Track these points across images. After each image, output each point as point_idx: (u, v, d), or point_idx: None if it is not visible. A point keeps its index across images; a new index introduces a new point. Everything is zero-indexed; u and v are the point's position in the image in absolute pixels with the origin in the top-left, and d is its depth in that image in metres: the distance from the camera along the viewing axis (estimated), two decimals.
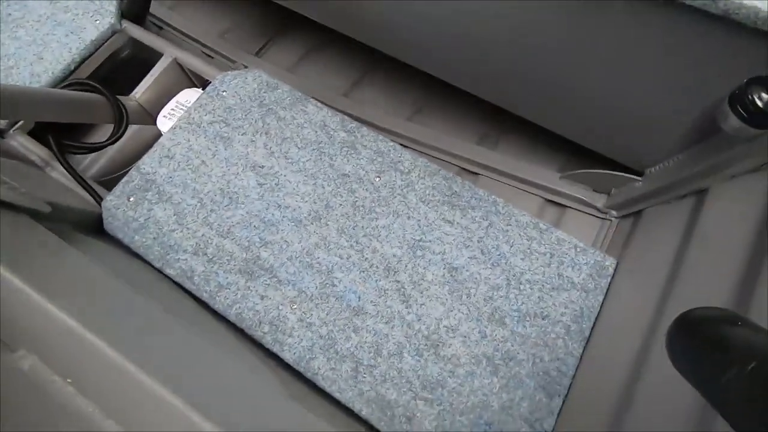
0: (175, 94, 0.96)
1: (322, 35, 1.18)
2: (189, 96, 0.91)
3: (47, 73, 0.88)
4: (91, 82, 0.82)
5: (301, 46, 1.18)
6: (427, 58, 0.87)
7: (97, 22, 0.93)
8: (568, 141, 0.83)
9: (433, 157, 0.94)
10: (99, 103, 0.82)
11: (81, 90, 0.81)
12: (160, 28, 1.16)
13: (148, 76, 0.90)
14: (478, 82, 0.85)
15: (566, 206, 0.81)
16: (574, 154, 0.86)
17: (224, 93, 0.83)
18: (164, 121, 0.89)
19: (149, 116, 0.95)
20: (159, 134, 0.85)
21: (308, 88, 1.09)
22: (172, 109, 0.90)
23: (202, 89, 0.94)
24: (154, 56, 0.98)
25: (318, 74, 1.14)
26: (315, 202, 0.73)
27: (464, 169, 0.92)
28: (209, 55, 1.16)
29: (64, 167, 0.76)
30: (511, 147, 0.92)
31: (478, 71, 0.81)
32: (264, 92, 0.83)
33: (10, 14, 0.95)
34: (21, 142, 0.85)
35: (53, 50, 0.90)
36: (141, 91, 0.89)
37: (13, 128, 0.86)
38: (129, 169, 0.85)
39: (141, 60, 0.96)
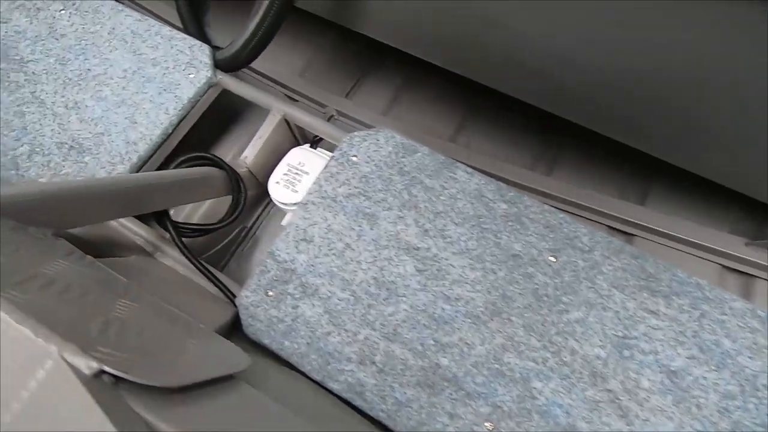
0: (279, 153, 0.86)
1: (414, 70, 1.08)
2: (300, 157, 0.81)
3: (144, 140, 0.77)
4: (209, 155, 0.71)
5: (392, 84, 1.07)
6: (570, 99, 0.77)
7: (192, 76, 0.82)
8: (739, 196, 0.74)
9: (574, 215, 0.85)
10: (214, 177, 0.72)
11: (196, 164, 0.70)
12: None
13: (257, 138, 0.79)
14: (637, 129, 0.75)
15: (755, 276, 0.72)
16: (748, 211, 0.77)
17: (355, 159, 0.73)
18: (277, 189, 0.79)
19: (257, 182, 0.84)
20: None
21: (410, 133, 1.00)
22: (285, 174, 0.80)
23: (310, 145, 0.84)
24: (239, 105, 0.88)
25: (415, 117, 1.03)
26: (489, 292, 0.63)
27: (614, 228, 0.83)
28: (292, 98, 1.05)
29: (188, 257, 0.66)
30: (663, 201, 0.83)
31: (640, 114, 0.72)
32: (402, 157, 0.72)
33: (89, 70, 0.83)
34: (122, 223, 0.74)
35: (147, 112, 0.79)
36: (251, 156, 0.78)
37: None
38: (227, 242, 0.75)
39: (219, 110, 0.86)
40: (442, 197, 0.69)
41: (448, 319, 0.62)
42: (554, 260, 0.65)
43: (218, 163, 0.71)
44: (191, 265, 0.68)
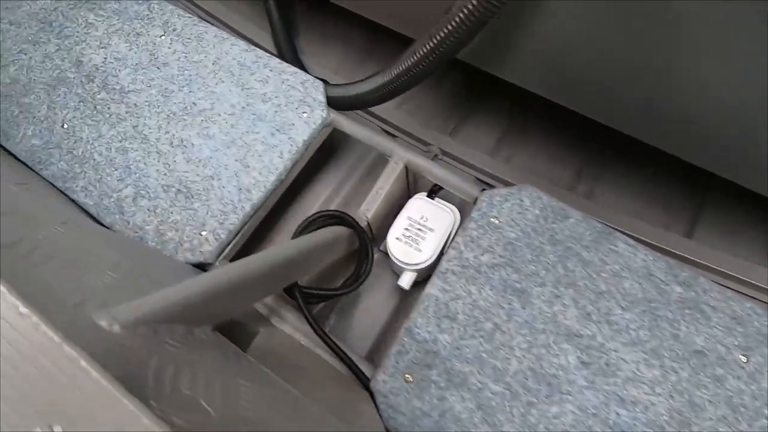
0: (395, 204, 0.78)
1: (524, 107, 1.00)
2: (421, 209, 0.73)
3: (258, 187, 0.70)
4: (341, 213, 0.64)
5: (499, 121, 0.99)
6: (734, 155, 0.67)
7: (306, 115, 0.75)
8: None
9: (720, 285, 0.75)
10: (342, 237, 0.65)
11: (328, 224, 0.63)
12: None
13: (377, 189, 0.72)
14: None
15: None
16: None
17: (497, 221, 0.64)
18: (398, 246, 0.71)
19: (373, 238, 0.77)
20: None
21: (524, 180, 0.91)
22: (406, 229, 0.72)
23: (428, 195, 0.76)
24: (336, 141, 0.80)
25: (526, 159, 0.95)
26: (672, 397, 0.54)
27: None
28: (390, 133, 0.98)
29: (319, 332, 0.58)
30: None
31: None
32: (552, 222, 0.64)
33: (194, 104, 0.77)
34: None
35: (260, 155, 0.72)
36: (372, 209, 0.70)
37: (221, 257, 0.68)
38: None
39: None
40: (603, 274, 0.60)
41: (626, 429, 0.53)
42: (745, 360, 0.55)
43: (350, 223, 0.64)
44: (313, 333, 0.61)
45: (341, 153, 0.94)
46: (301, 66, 0.99)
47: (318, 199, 0.90)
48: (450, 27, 0.51)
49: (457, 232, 0.71)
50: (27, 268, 0.31)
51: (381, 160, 0.93)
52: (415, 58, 0.57)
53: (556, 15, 0.60)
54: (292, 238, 0.60)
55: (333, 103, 0.79)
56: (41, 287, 0.30)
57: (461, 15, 0.49)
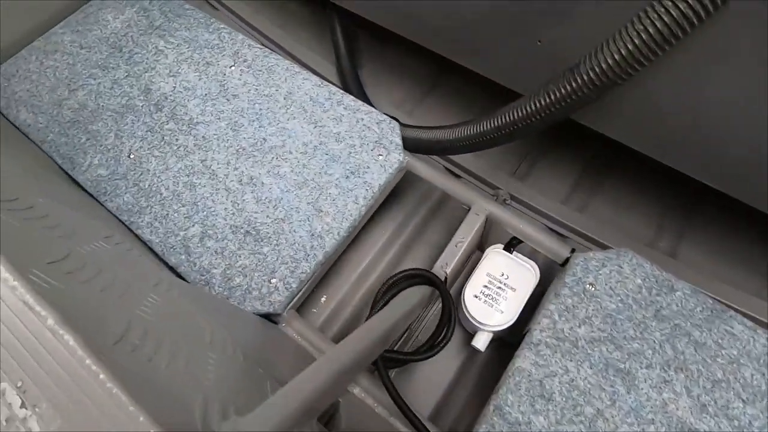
0: (470, 255, 0.73)
1: (601, 152, 0.94)
2: (501, 265, 0.68)
3: (331, 234, 0.66)
4: (424, 271, 0.59)
5: (572, 165, 0.94)
6: None
7: (381, 157, 0.71)
8: None
9: None
10: (423, 298, 0.60)
11: (411, 283, 0.58)
12: None
13: (456, 242, 0.67)
14: None
15: None
16: None
17: (593, 289, 0.59)
18: (476, 305, 0.66)
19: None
20: None
21: (599, 231, 0.85)
22: (485, 286, 0.67)
23: (504, 247, 0.71)
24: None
25: (602, 209, 0.89)
26: None
27: None
28: (452, 172, 0.94)
29: (399, 402, 0.53)
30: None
31: None
32: (657, 295, 0.58)
33: (265, 140, 0.75)
34: (300, 330, 0.63)
35: (333, 199, 0.69)
36: (451, 264, 0.66)
37: (288, 306, 0.64)
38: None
39: None
40: (719, 359, 0.54)
41: None
42: None
43: (437, 284, 0.59)
44: (388, 398, 0.56)
45: (403, 191, 0.90)
46: (366, 100, 0.96)
47: (379, 240, 0.86)
48: (569, 87, 0.47)
49: (535, 291, 0.66)
50: (142, 367, 0.27)
51: (448, 202, 0.89)
52: (521, 112, 0.53)
53: (664, 78, 0.55)
54: (376, 299, 0.56)
55: (406, 143, 0.75)
56: (165, 395, 0.26)
57: (586, 76, 0.45)
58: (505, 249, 0.71)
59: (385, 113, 0.79)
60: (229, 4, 1.08)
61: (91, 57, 0.86)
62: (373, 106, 0.93)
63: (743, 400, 0.52)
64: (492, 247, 0.72)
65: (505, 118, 0.56)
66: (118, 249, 0.42)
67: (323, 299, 0.82)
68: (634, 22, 0.42)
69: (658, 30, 0.40)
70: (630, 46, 0.41)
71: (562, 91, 0.47)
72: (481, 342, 0.66)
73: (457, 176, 0.93)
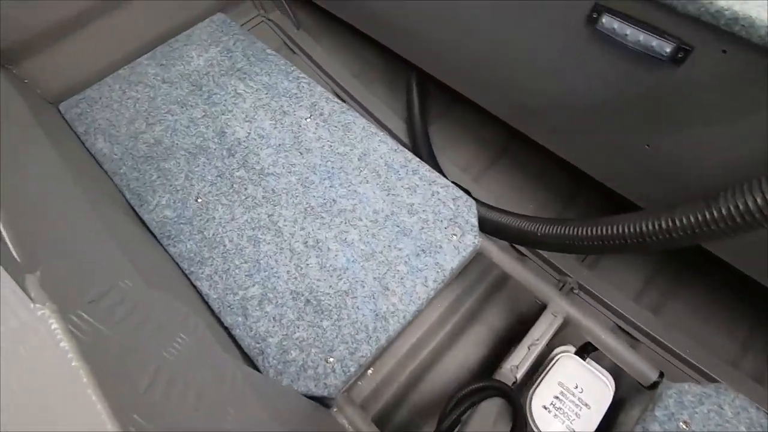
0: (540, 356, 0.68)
1: (680, 258, 0.88)
2: (575, 375, 0.62)
3: (396, 317, 0.62)
4: (498, 384, 0.54)
5: (650, 258, 0.87)
6: None
7: (455, 238, 0.68)
8: None
9: None
10: (493, 409, 0.55)
11: (482, 397, 0.54)
12: None
13: (529, 343, 0.62)
14: None
15: None
16: None
17: (686, 428, 0.53)
18: (545, 417, 0.60)
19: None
20: None
21: (678, 342, 0.78)
22: (557, 398, 0.61)
23: (577, 353, 0.65)
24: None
25: (679, 310, 0.82)
26: None
27: None
28: (519, 251, 0.89)
29: None
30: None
31: None
32: None
33: (335, 201, 0.72)
34: (351, 418, 0.59)
35: (402, 278, 0.65)
36: (523, 368, 0.61)
37: (342, 390, 0.60)
38: None
39: None
40: None
41: None
42: None
43: (507, 393, 0.54)
44: None
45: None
46: (436, 163, 0.93)
47: (433, 313, 0.81)
48: (702, 217, 0.42)
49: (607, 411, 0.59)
50: None
51: (511, 282, 0.84)
52: (635, 229, 0.48)
53: None
54: (441, 419, 0.51)
55: (483, 225, 0.71)
56: None
57: (726, 211, 0.40)
58: (577, 353, 0.66)
59: (456, 184, 0.75)
60: (307, 48, 1.09)
61: (171, 92, 0.87)
62: (441, 171, 0.91)
63: None
64: (562, 349, 0.66)
65: (612, 229, 0.51)
66: (194, 338, 0.39)
67: (370, 371, 0.77)
68: None
69: None
70: None
71: (692, 219, 0.43)
72: None
73: (521, 254, 0.89)
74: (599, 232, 0.53)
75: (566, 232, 0.57)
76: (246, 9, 1.11)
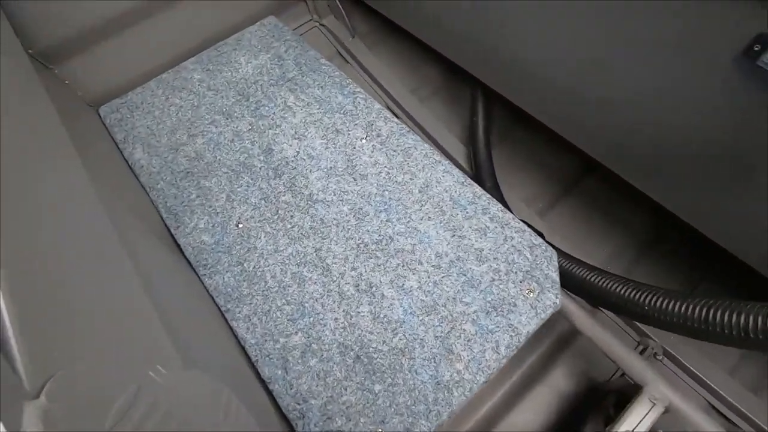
0: None
1: None
2: None
3: (462, 388, 0.53)
4: None
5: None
6: None
7: (532, 296, 0.58)
8: None
9: None
10: None
11: None
12: None
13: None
14: None
15: None
16: None
17: None
18: None
19: None
20: None
21: None
22: None
23: None
24: None
25: None
26: None
27: None
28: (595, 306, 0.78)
29: None
30: None
31: None
32: None
33: (392, 239, 0.63)
34: None
35: (468, 340, 0.55)
36: None
37: None
38: None
39: None
40: None
41: None
42: None
43: None
44: None
45: None
46: (501, 195, 0.83)
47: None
48: None
49: None
50: None
51: (581, 337, 0.73)
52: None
53: None
54: None
55: (566, 282, 0.61)
56: None
57: None
58: None
59: (526, 222, 0.65)
60: (361, 59, 1.01)
61: (216, 101, 0.80)
62: (505, 202, 0.81)
63: None
64: None
65: (745, 318, 0.40)
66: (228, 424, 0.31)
67: None
68: None
69: None
70: None
71: None
72: None
73: (596, 307, 0.78)
74: (727, 318, 0.42)
75: (682, 309, 0.46)
76: (299, 12, 1.04)
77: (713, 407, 0.68)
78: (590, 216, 0.87)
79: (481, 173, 0.84)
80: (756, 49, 0.40)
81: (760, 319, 0.41)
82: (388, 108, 0.98)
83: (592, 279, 0.58)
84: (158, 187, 0.72)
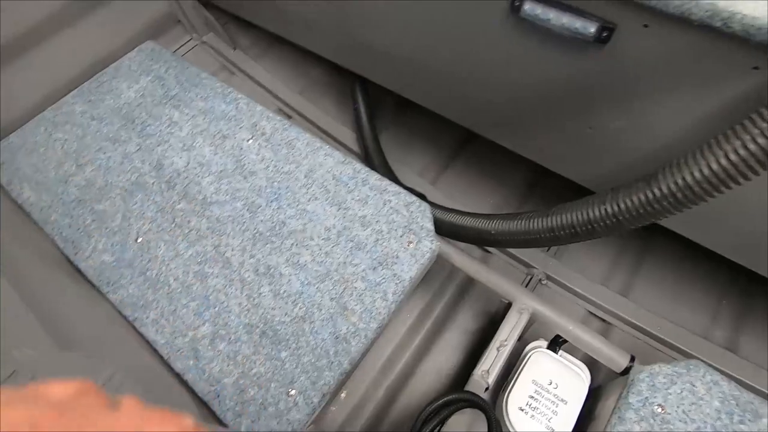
0: (513, 356, 0.66)
1: (642, 235, 0.88)
2: (549, 371, 0.60)
3: (358, 337, 0.59)
4: (471, 396, 0.52)
5: (614, 241, 0.87)
6: None
7: (412, 246, 0.65)
8: None
9: None
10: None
11: (456, 408, 0.51)
12: None
13: (497, 344, 0.60)
14: None
15: None
16: None
17: (662, 411, 0.51)
18: (522, 419, 0.58)
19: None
20: None
21: (650, 322, 0.78)
22: (532, 397, 0.59)
23: (549, 347, 0.63)
24: None
25: (647, 290, 0.82)
26: None
27: None
28: (487, 251, 0.87)
29: None
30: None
31: None
32: (739, 422, 0.50)
33: (284, 223, 0.69)
34: None
35: (359, 294, 0.62)
36: (494, 372, 0.58)
37: (308, 423, 0.56)
38: None
39: None
40: None
41: None
42: None
43: (476, 403, 0.52)
44: None
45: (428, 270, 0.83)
46: (390, 170, 0.91)
47: (403, 325, 0.78)
48: (644, 198, 0.41)
49: (611, 420, 0.58)
50: None
51: (476, 288, 0.82)
52: (583, 216, 0.47)
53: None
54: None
55: (440, 227, 0.69)
56: None
57: (666, 189, 0.39)
58: (549, 347, 0.64)
59: (412, 189, 0.73)
60: (246, 69, 1.06)
61: (101, 129, 0.82)
62: (396, 178, 0.89)
63: None
64: (534, 345, 0.64)
65: (562, 219, 0.50)
66: None
67: (343, 395, 0.73)
68: (730, 136, 0.37)
69: (760, 146, 0.34)
70: (723, 161, 0.36)
71: (635, 201, 0.42)
72: None
73: (487, 251, 0.87)
74: (550, 223, 0.51)
75: (519, 227, 0.55)
76: (178, 34, 1.07)
77: (591, 313, 0.79)
78: (475, 176, 0.97)
79: (369, 154, 0.91)
80: (517, 4, 0.49)
81: (580, 215, 0.50)
82: (280, 110, 1.03)
83: (460, 221, 0.66)
84: (51, 220, 0.73)
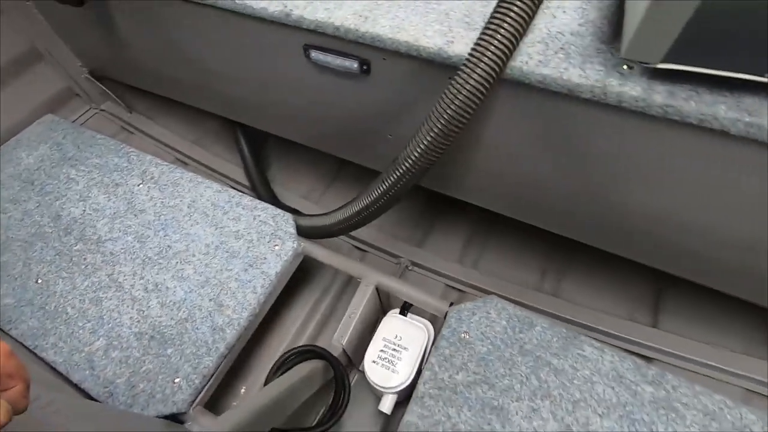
0: (371, 324, 0.80)
1: (486, 215, 1.08)
2: (395, 328, 0.75)
3: (232, 326, 0.71)
4: (316, 348, 0.65)
5: (463, 228, 1.06)
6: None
7: (277, 247, 0.79)
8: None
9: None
10: (317, 371, 0.65)
11: (303, 359, 0.64)
12: None
13: (349, 314, 0.74)
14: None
15: None
16: None
17: (467, 336, 0.67)
18: (375, 370, 0.71)
19: (349, 362, 0.77)
20: None
21: (494, 284, 0.95)
22: (381, 350, 0.73)
23: (401, 312, 0.78)
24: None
25: (492, 263, 1.00)
26: None
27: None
28: (361, 249, 1.03)
29: None
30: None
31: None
32: (520, 332, 0.66)
33: (170, 247, 0.81)
34: (208, 426, 0.65)
35: (233, 292, 0.74)
36: (345, 336, 0.72)
37: (194, 404, 0.66)
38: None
39: None
40: (576, 381, 0.62)
41: None
42: None
43: (323, 355, 0.65)
44: None
45: (313, 278, 0.96)
46: (273, 195, 1.06)
47: (292, 327, 0.90)
48: (398, 172, 0.59)
49: (430, 349, 0.72)
50: None
51: (353, 282, 0.96)
52: (380, 189, 0.64)
53: (498, 150, 0.68)
54: (266, 381, 0.60)
55: (305, 232, 0.84)
56: None
57: (405, 166, 0.57)
58: (401, 313, 0.78)
59: (288, 207, 0.88)
60: (144, 128, 1.20)
61: (1, 193, 0.92)
62: (279, 201, 1.04)
63: (600, 415, 0.59)
64: (390, 312, 0.79)
65: (372, 194, 0.66)
66: None
67: (242, 390, 0.83)
68: (425, 125, 0.55)
69: (443, 130, 0.53)
70: (426, 141, 0.54)
71: (393, 177, 0.60)
72: (386, 406, 0.70)
73: (364, 251, 1.03)
74: (360, 204, 0.68)
75: (343, 215, 0.72)
76: (76, 105, 1.20)
77: (449, 286, 0.96)
78: (351, 193, 1.14)
79: (255, 185, 1.06)
80: (308, 53, 0.68)
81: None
82: (177, 160, 1.17)
83: (315, 223, 0.82)
84: None
